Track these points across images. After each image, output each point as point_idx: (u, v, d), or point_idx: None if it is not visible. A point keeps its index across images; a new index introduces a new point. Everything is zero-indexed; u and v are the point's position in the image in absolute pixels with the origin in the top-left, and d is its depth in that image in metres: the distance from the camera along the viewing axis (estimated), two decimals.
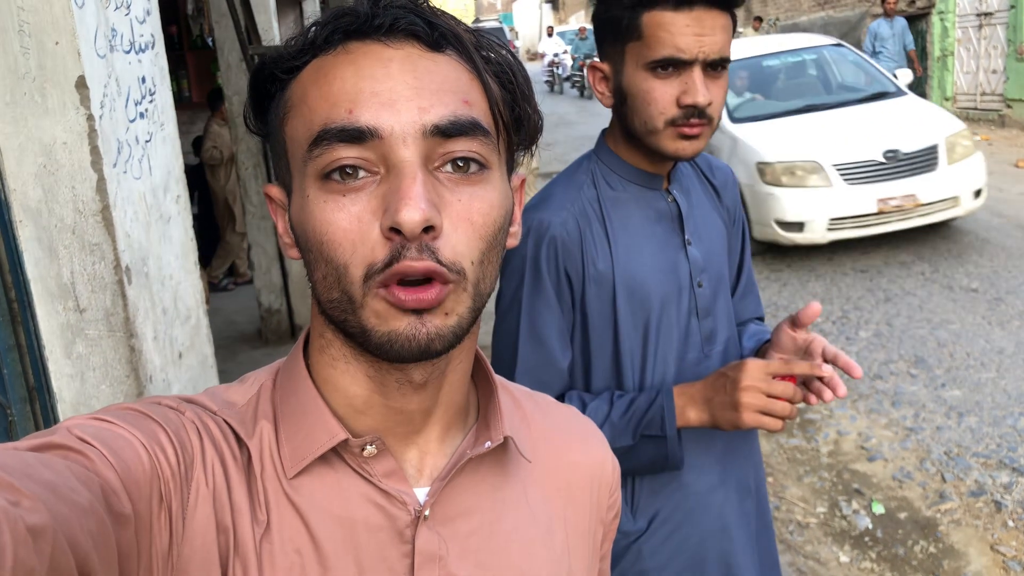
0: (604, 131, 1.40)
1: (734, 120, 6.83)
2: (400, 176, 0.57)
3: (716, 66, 1.24)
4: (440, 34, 0.61)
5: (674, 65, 1.23)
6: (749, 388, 1.19)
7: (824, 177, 6.04)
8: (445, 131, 0.59)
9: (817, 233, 6.06)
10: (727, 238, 1.46)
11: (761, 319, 1.59)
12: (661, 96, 1.24)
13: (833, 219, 6.01)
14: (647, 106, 1.25)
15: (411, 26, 0.60)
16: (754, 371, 1.19)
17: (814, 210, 6.01)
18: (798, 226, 6.07)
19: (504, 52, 0.66)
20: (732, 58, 1.29)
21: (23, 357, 1.65)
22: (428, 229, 0.57)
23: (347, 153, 0.58)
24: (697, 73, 1.23)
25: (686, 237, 1.36)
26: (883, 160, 6.00)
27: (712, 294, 1.38)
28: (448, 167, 0.60)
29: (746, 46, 7.71)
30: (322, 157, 0.59)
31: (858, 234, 6.12)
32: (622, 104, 1.30)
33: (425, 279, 0.58)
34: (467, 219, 0.60)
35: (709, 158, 1.51)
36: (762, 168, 6.23)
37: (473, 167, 0.60)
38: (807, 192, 6.04)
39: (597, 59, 1.36)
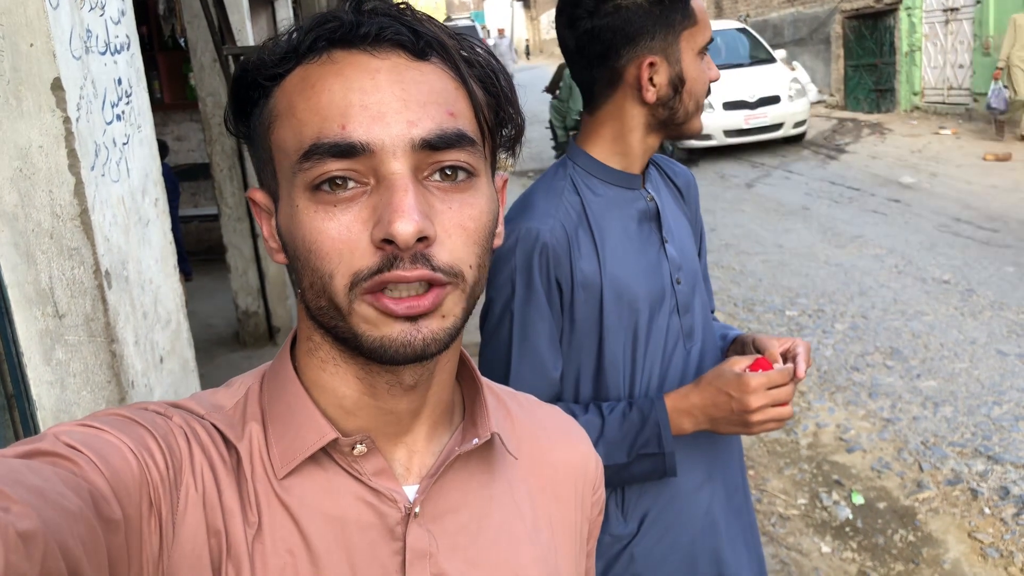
0: (574, 137, 1.41)
1: None
2: (392, 189, 0.58)
3: None
4: (426, 43, 0.61)
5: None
6: (760, 409, 1.22)
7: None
8: (433, 144, 0.59)
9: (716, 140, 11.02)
10: (693, 236, 1.48)
11: (713, 310, 1.62)
12: (706, 76, 1.34)
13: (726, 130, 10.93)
14: (701, 87, 1.33)
15: (397, 35, 0.60)
16: (759, 392, 1.21)
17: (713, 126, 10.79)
18: (707, 136, 10.82)
19: (486, 55, 0.66)
20: None
21: (0, 365, 1.62)
22: (422, 239, 0.57)
23: (337, 166, 0.58)
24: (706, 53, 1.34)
25: (663, 236, 1.37)
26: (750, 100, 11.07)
27: (690, 290, 1.39)
28: (436, 176, 0.60)
29: None
30: (312, 170, 0.59)
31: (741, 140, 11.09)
32: (675, 94, 1.32)
33: (421, 287, 0.59)
34: (460, 225, 0.61)
35: (670, 161, 1.53)
36: None
37: (461, 175, 0.61)
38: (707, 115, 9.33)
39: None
